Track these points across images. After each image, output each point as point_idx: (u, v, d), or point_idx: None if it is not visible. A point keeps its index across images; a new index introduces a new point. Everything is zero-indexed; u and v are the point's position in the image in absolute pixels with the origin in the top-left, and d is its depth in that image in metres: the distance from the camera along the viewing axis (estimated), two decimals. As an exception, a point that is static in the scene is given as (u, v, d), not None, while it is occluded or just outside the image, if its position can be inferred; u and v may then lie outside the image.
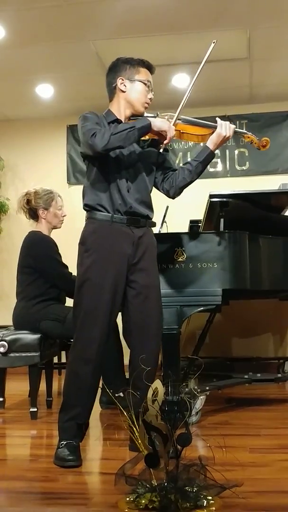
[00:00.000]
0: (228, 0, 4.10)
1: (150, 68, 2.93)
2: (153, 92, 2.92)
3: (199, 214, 4.10)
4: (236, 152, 6.04)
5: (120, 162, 2.80)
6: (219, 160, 6.03)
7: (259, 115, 5.93)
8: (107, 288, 2.72)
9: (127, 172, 2.81)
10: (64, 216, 4.08)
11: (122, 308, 2.85)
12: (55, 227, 4.08)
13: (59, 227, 4.10)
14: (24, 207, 4.03)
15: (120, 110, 2.90)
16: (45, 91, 5.72)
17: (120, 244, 2.76)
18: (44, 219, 4.02)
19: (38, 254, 3.88)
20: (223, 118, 3.06)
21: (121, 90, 2.88)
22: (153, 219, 2.97)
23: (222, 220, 3.45)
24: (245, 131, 3.10)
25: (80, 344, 2.74)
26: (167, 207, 4.41)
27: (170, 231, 4.17)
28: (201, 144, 3.00)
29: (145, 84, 2.87)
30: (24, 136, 6.41)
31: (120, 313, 2.89)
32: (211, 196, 3.50)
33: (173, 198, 3.01)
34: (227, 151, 6.02)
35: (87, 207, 2.83)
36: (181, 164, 3.06)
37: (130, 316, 2.84)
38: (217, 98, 5.75)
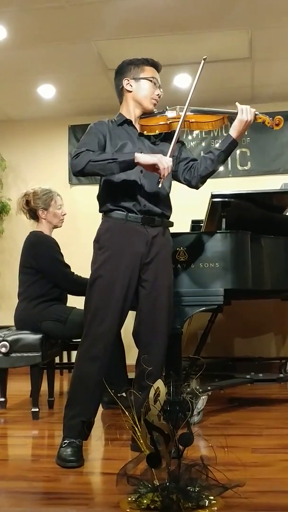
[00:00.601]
0: (230, 0, 4.10)
1: (155, 65, 2.94)
2: (161, 89, 2.92)
3: (201, 214, 4.11)
4: (238, 152, 6.03)
5: None
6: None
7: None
8: (119, 286, 2.73)
9: (140, 171, 2.78)
10: (64, 215, 4.08)
11: (134, 307, 2.85)
12: (55, 227, 4.08)
13: (60, 226, 4.10)
14: (23, 208, 4.04)
15: (130, 110, 2.91)
16: (47, 91, 5.72)
17: (134, 243, 2.77)
18: (44, 219, 4.01)
19: (39, 254, 3.88)
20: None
21: (127, 90, 2.89)
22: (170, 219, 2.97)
23: (224, 220, 3.45)
24: (257, 112, 2.97)
25: (88, 340, 2.74)
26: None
27: (172, 231, 4.16)
28: (211, 131, 2.96)
29: (150, 81, 2.88)
30: (26, 136, 6.41)
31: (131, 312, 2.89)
32: (213, 196, 3.50)
33: (197, 188, 2.96)
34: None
35: (103, 208, 2.84)
36: (202, 154, 3.03)
37: (140, 316, 2.84)
38: (219, 98, 5.73)
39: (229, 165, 6.03)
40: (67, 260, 3.97)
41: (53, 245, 3.94)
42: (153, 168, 2.66)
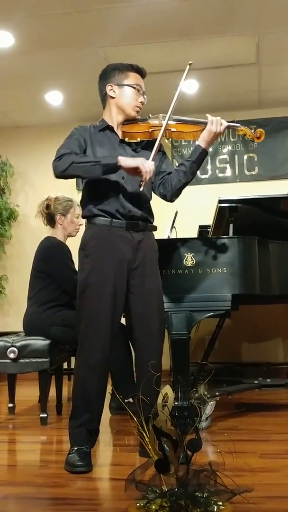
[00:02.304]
0: (236, 5, 4.10)
1: (140, 72, 2.92)
2: (145, 96, 2.91)
3: (208, 219, 4.11)
4: (245, 157, 6.03)
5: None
6: (228, 165, 6.02)
7: (268, 120, 5.92)
8: (108, 293, 2.72)
9: (122, 177, 2.78)
10: (80, 225, 4.12)
11: (125, 313, 2.85)
12: (70, 235, 4.12)
13: (74, 235, 4.12)
14: (43, 211, 4.09)
15: (112, 116, 2.90)
16: (54, 98, 5.74)
17: (120, 249, 2.76)
18: (61, 224, 4.06)
19: (50, 258, 3.91)
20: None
21: (110, 96, 2.88)
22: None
23: (231, 225, 3.45)
24: (238, 124, 3.03)
25: (84, 351, 2.75)
26: (176, 212, 4.42)
27: (179, 236, 4.16)
28: (194, 141, 2.96)
29: (134, 88, 2.86)
30: (33, 142, 6.43)
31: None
32: (220, 201, 3.50)
33: (171, 201, 2.98)
34: (236, 156, 6.01)
35: (87, 215, 2.84)
36: (175, 167, 3.04)
37: (132, 321, 2.84)
38: (226, 103, 5.75)
39: (237, 170, 6.03)
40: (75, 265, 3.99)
41: (64, 251, 3.98)
42: (135, 171, 2.67)
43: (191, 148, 5.98)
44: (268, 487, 2.31)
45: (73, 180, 6.27)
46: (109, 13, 4.17)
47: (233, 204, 3.50)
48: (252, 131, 3.00)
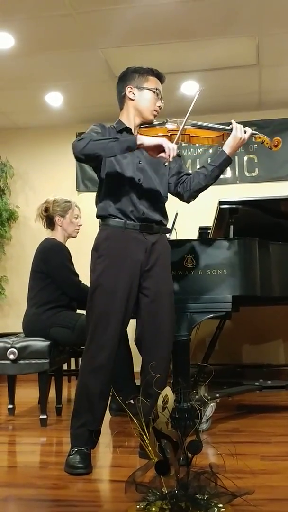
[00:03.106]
0: (237, 7, 4.10)
1: (159, 77, 2.93)
2: (163, 101, 2.92)
3: (209, 220, 4.11)
4: (246, 158, 6.03)
5: (129, 169, 2.79)
6: (228, 167, 6.01)
7: (268, 122, 5.92)
8: (119, 294, 2.72)
9: (138, 179, 2.80)
10: (80, 225, 4.12)
11: (135, 314, 2.85)
12: (70, 236, 4.11)
13: (74, 236, 4.12)
14: (42, 214, 4.10)
15: (130, 118, 2.90)
16: (54, 99, 5.74)
17: (133, 250, 2.76)
18: (60, 226, 4.06)
19: (50, 259, 3.91)
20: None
21: (130, 98, 2.88)
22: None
23: (231, 226, 3.45)
24: (257, 133, 3.03)
25: (91, 350, 2.74)
26: (176, 214, 4.41)
27: (179, 238, 4.16)
28: (211, 147, 2.97)
29: (153, 92, 2.87)
30: (33, 144, 6.44)
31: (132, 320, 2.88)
32: (220, 203, 3.50)
33: (188, 202, 2.99)
34: (236, 158, 6.00)
35: (100, 216, 2.84)
36: (196, 169, 3.04)
37: (142, 323, 2.83)
38: (226, 104, 5.75)
39: (237, 172, 6.03)
40: (75, 266, 3.99)
41: (64, 252, 3.97)
42: (158, 150, 2.64)
43: (191, 149, 6.06)
44: (269, 489, 2.30)
45: (73, 181, 6.30)
46: (109, 15, 4.17)
47: (234, 206, 3.50)
48: (270, 139, 3.00)
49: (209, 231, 4.17)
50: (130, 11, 4.12)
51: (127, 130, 2.87)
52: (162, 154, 2.64)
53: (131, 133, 2.87)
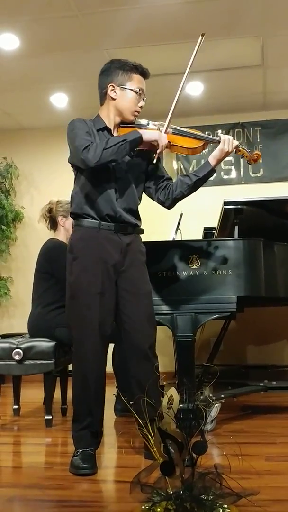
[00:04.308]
0: (241, 7, 4.10)
1: (144, 74, 2.86)
2: (145, 99, 2.87)
3: (213, 221, 4.10)
4: (250, 159, 6.02)
5: (108, 171, 2.76)
6: (233, 167, 6.02)
7: (272, 122, 5.92)
8: (97, 296, 2.71)
9: (116, 182, 2.78)
10: None
11: (114, 315, 2.82)
12: None
13: None
14: (45, 215, 4.12)
15: (110, 117, 2.86)
16: (59, 100, 5.75)
17: (108, 251, 2.75)
18: (63, 226, 4.08)
19: (54, 259, 3.92)
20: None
21: (111, 97, 2.83)
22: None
23: (236, 227, 3.45)
24: (240, 145, 2.99)
25: (78, 355, 2.75)
26: (181, 214, 4.41)
27: (184, 238, 4.16)
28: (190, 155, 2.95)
29: (136, 92, 2.82)
30: (38, 145, 6.45)
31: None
32: (225, 203, 3.50)
33: (168, 208, 3.00)
34: (241, 158, 6.00)
35: (74, 214, 2.82)
36: (179, 176, 3.01)
37: (122, 323, 2.82)
38: (231, 105, 5.75)
39: (241, 172, 6.02)
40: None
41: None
42: (152, 145, 2.73)
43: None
44: (274, 490, 2.30)
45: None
46: (114, 16, 4.18)
47: (238, 206, 3.49)
48: (249, 152, 3.01)
49: (214, 231, 4.17)
50: (135, 12, 4.12)
51: (107, 129, 2.84)
52: (152, 149, 2.73)
53: (111, 133, 2.84)
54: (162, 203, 2.96)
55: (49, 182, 6.29)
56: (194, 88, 5.38)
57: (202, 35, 2.78)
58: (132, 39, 4.51)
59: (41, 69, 5.03)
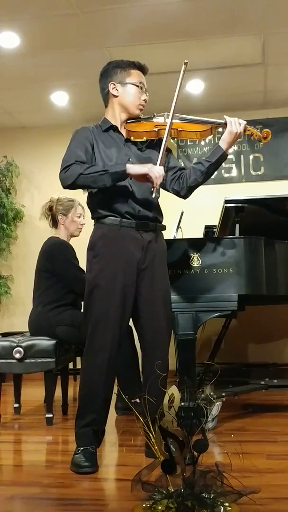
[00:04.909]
0: (242, 5, 4.10)
1: (142, 69, 2.88)
2: (147, 94, 2.87)
3: (214, 219, 4.10)
4: (251, 157, 6.02)
5: None
6: (234, 165, 6.01)
7: (273, 120, 5.91)
8: (117, 293, 2.70)
9: (130, 178, 2.74)
10: (82, 224, 4.13)
11: (133, 314, 2.83)
12: (72, 235, 4.13)
13: (77, 235, 4.14)
14: (46, 213, 4.13)
15: (115, 115, 2.86)
16: (60, 98, 5.74)
17: (129, 249, 2.74)
18: (63, 224, 4.08)
19: (54, 257, 3.92)
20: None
21: (113, 95, 2.84)
22: (168, 225, 2.95)
23: (237, 225, 3.45)
24: (246, 124, 2.94)
25: (91, 351, 2.73)
26: (182, 212, 4.41)
27: (185, 236, 4.16)
28: (200, 141, 2.92)
29: (137, 86, 2.82)
30: (39, 143, 6.44)
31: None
32: (226, 201, 3.49)
33: (185, 198, 2.95)
34: (242, 156, 6.01)
35: (95, 215, 2.82)
36: (192, 164, 2.99)
37: (141, 322, 2.82)
38: (231, 103, 5.74)
39: (242, 170, 6.02)
40: (81, 266, 3.99)
41: (69, 249, 3.99)
42: (145, 178, 2.64)
43: (197, 148, 6.06)
44: (275, 488, 2.30)
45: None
46: (115, 14, 4.17)
47: (239, 204, 3.49)
48: (258, 131, 2.97)
49: (214, 230, 4.16)
50: (136, 10, 4.12)
51: (113, 128, 2.84)
52: (148, 182, 2.65)
53: (118, 131, 2.84)
54: (177, 193, 2.92)
55: (49, 181, 6.25)
56: (195, 86, 5.37)
57: (185, 63, 2.76)
58: (133, 37, 4.50)
59: (41, 68, 5.03)
